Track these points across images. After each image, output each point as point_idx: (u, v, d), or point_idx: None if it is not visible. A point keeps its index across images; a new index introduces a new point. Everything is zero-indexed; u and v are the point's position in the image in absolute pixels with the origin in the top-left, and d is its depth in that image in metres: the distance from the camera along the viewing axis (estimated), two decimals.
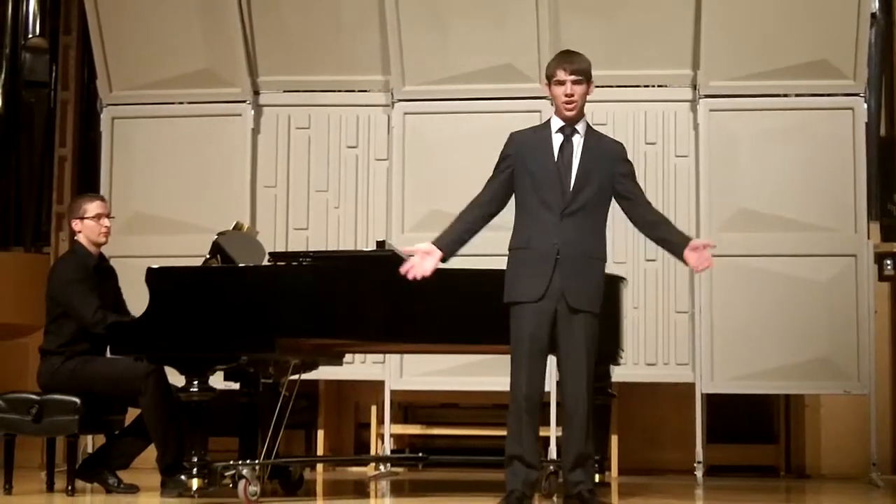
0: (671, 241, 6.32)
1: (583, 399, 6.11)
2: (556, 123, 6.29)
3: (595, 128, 6.41)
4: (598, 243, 6.22)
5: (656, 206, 9.06)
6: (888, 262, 9.82)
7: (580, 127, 6.27)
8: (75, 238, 7.81)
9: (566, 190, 6.14)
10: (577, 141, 6.24)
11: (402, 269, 6.17)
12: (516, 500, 6.05)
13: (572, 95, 6.20)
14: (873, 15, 9.62)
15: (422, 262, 6.16)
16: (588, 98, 6.32)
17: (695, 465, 9.07)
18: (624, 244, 9.25)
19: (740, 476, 9.61)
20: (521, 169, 6.22)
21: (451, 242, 6.24)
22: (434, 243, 6.21)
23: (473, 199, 6.29)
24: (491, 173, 6.32)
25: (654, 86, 9.55)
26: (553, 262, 6.08)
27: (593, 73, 6.28)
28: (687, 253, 6.21)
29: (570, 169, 6.17)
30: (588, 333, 6.12)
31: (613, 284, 7.19)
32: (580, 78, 6.22)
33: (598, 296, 6.19)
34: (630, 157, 9.12)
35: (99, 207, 7.74)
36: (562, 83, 6.21)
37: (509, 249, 6.24)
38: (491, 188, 6.28)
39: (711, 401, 9.37)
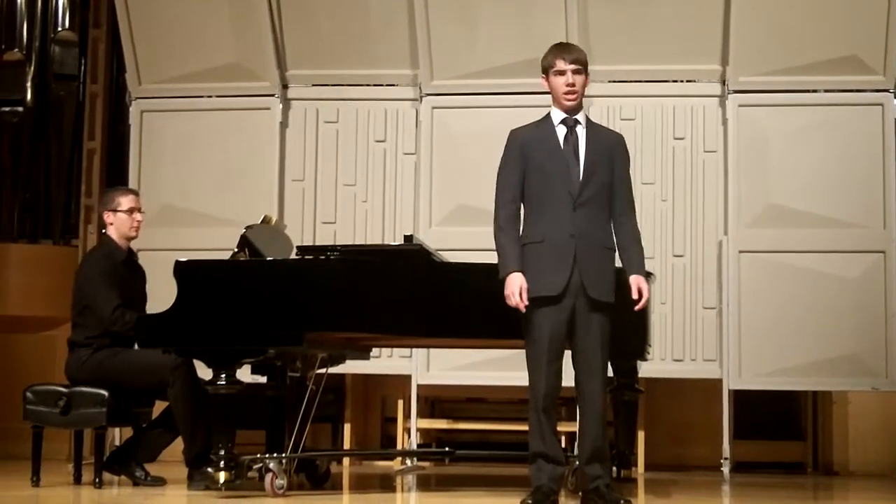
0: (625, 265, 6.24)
1: (598, 394, 6.11)
2: (558, 116, 6.25)
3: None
4: (609, 234, 6.20)
5: (683, 202, 9.12)
6: None
7: (581, 118, 6.25)
8: (104, 231, 7.82)
9: (575, 180, 6.10)
10: (581, 132, 6.21)
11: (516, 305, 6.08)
12: (543, 494, 6.04)
13: (573, 85, 6.17)
14: None
15: (518, 294, 6.07)
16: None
17: (722, 461, 9.06)
18: (651, 239, 9.24)
19: (767, 473, 9.58)
20: (529, 164, 6.18)
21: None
22: (518, 271, 6.06)
23: (503, 208, 6.16)
24: (498, 172, 6.24)
25: (682, 81, 9.53)
26: (572, 256, 6.05)
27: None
28: (632, 279, 6.16)
29: (577, 159, 6.14)
30: (604, 329, 6.09)
31: None
32: (580, 68, 6.20)
33: (613, 286, 6.17)
34: (658, 152, 9.22)
35: (132, 202, 7.77)
36: (562, 73, 6.18)
37: (522, 245, 6.15)
38: (514, 192, 6.18)
39: (739, 397, 9.35)
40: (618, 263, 6.25)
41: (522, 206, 6.22)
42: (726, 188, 9.29)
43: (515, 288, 6.05)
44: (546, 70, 6.25)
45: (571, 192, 6.09)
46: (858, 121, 9.26)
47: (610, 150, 6.23)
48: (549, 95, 6.30)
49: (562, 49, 6.29)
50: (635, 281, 6.16)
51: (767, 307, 9.14)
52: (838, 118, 9.29)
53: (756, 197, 9.26)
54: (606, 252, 6.16)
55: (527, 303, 6.03)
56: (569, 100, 6.19)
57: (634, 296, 6.13)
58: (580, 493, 6.32)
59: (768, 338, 9.12)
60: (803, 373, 9.10)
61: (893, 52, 9.18)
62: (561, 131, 6.21)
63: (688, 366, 9.27)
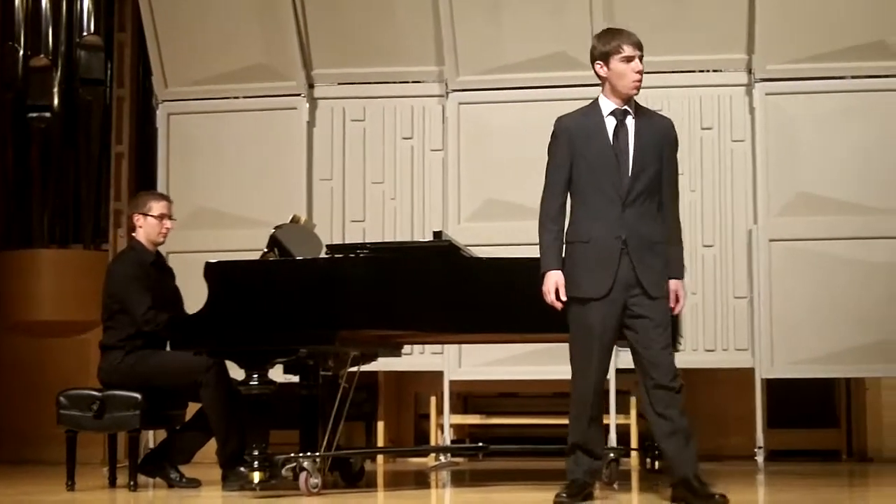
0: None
1: (674, 384, 5.89)
2: (608, 106, 6.01)
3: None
4: (660, 226, 6.00)
5: (712, 192, 9.08)
6: None
7: (630, 107, 6.02)
8: (133, 234, 7.83)
9: (625, 177, 5.91)
10: (631, 123, 5.98)
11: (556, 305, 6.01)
12: (578, 488, 6.00)
13: (641, 72, 5.95)
14: None
15: (555, 293, 5.99)
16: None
17: (756, 450, 9.05)
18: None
19: (802, 460, 9.55)
20: (576, 155, 5.98)
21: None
22: (558, 269, 5.97)
23: (549, 204, 6.02)
24: (548, 164, 6.07)
25: (709, 70, 9.52)
26: (618, 256, 5.88)
27: (648, 59, 6.10)
28: (670, 284, 6.02)
29: (626, 155, 5.92)
30: (666, 318, 5.95)
31: None
32: (643, 54, 5.97)
33: (664, 279, 6.07)
34: (686, 142, 9.19)
35: (164, 208, 7.76)
36: (631, 59, 5.92)
37: (567, 242, 6.01)
38: (562, 187, 6.01)
39: (772, 385, 9.33)
40: None
41: (569, 199, 6.05)
42: (755, 177, 9.27)
43: (552, 286, 5.95)
44: (607, 55, 5.96)
45: (620, 192, 5.91)
46: (886, 106, 9.23)
47: (661, 137, 6.02)
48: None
49: (624, 34, 6.00)
50: (673, 286, 6.01)
51: (798, 295, 9.12)
52: (866, 104, 9.25)
53: (785, 185, 9.23)
54: (657, 246, 5.96)
55: (564, 300, 5.94)
56: (636, 89, 5.96)
57: (672, 302, 6.01)
58: (616, 486, 6.31)
59: (800, 326, 9.09)
60: (836, 360, 9.08)
61: None
62: (610, 123, 5.98)
63: (720, 356, 9.26)
